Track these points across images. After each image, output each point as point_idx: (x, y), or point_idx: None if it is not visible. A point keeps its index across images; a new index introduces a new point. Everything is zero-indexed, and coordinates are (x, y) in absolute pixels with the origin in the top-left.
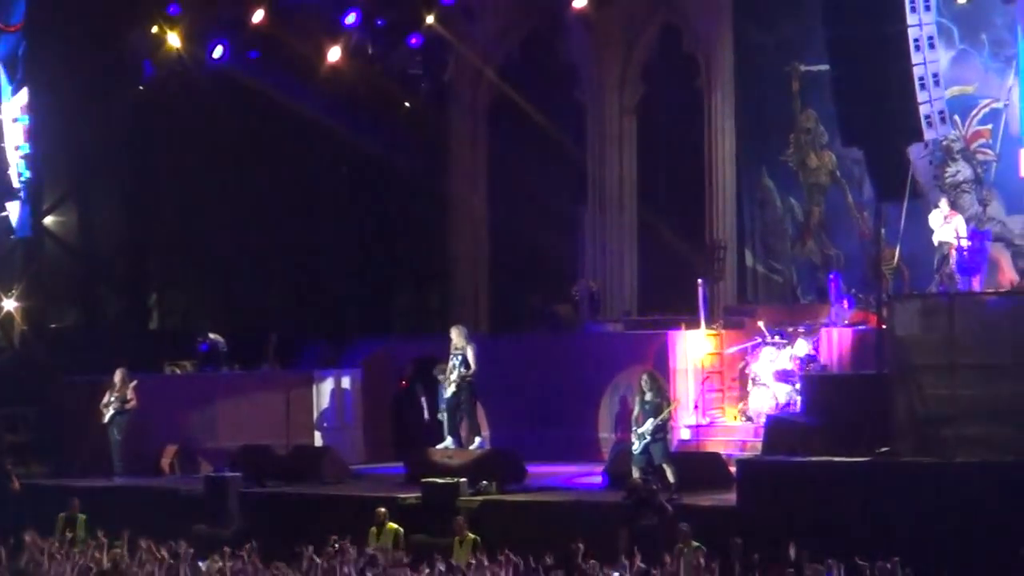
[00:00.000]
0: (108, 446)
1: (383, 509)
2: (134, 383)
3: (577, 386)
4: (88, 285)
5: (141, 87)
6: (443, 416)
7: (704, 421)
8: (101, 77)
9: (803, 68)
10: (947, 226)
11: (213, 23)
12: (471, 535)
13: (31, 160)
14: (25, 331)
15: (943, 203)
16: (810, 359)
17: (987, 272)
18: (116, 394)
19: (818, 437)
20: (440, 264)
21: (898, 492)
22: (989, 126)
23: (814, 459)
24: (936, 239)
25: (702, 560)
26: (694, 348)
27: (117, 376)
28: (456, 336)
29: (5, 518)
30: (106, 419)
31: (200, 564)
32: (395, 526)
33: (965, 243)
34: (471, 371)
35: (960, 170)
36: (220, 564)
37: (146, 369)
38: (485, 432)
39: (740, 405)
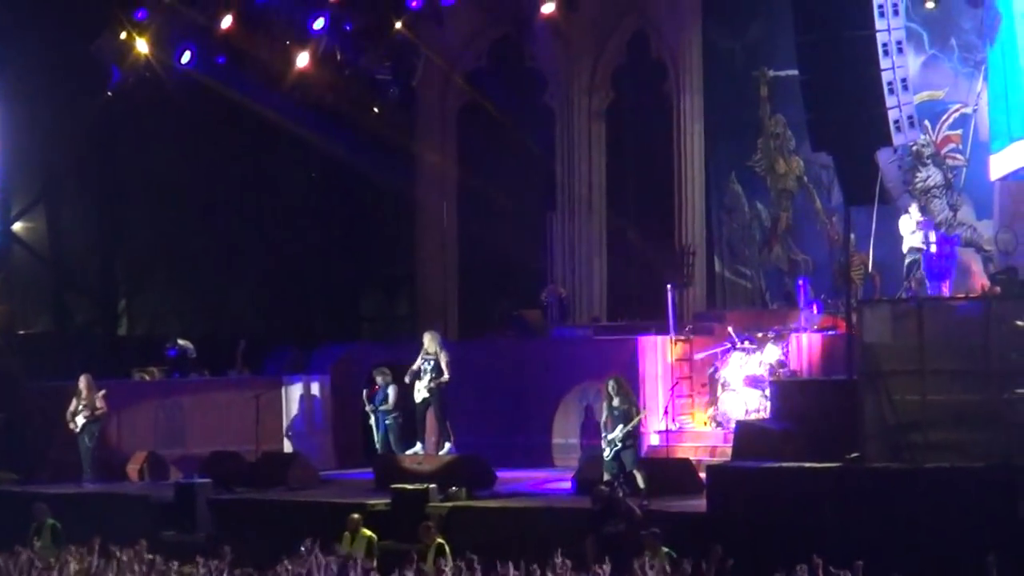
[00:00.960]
0: (77, 453)
1: (357, 515)
2: (102, 392)
3: (546, 392)
4: (57, 291)
5: (109, 93)
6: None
7: (674, 427)
8: (69, 83)
9: (771, 73)
10: (917, 233)
11: (181, 29)
12: (439, 539)
13: None
14: None
15: (913, 208)
16: (780, 364)
17: (957, 277)
18: (84, 402)
19: (788, 443)
20: (408, 269)
21: (867, 497)
22: (959, 131)
23: (784, 465)
24: (905, 245)
25: (669, 566)
26: (663, 354)
27: (82, 383)
28: (429, 341)
29: None
30: (78, 428)
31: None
32: (369, 532)
33: (933, 248)
34: (444, 377)
35: (931, 175)
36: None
37: (115, 375)
38: (453, 437)
39: (710, 411)
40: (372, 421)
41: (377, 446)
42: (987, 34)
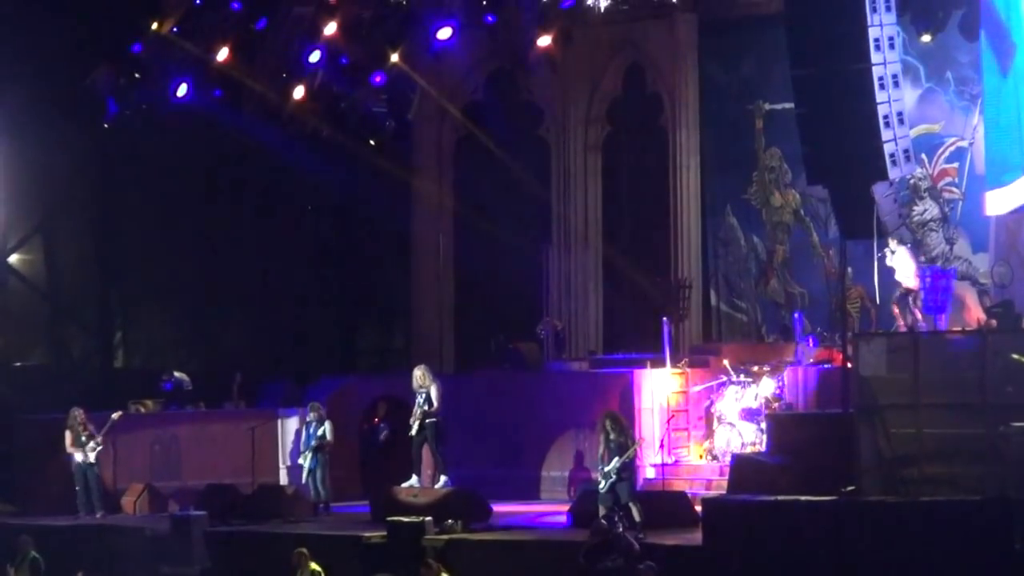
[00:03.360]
0: (72, 484)
1: (302, 550)
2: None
3: (542, 425)
4: (53, 323)
5: (105, 125)
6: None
7: (669, 460)
8: (65, 115)
9: (767, 106)
10: (903, 270)
11: (177, 62)
12: (445, 574)
13: None
14: None
15: (893, 244)
16: (775, 398)
17: (953, 310)
18: (85, 433)
19: (783, 476)
20: (404, 302)
21: (863, 531)
22: (955, 164)
23: (779, 498)
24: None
25: None
26: (659, 387)
27: (80, 415)
28: (420, 375)
29: None
30: (92, 458)
31: None
32: (316, 566)
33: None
34: (435, 409)
35: (927, 208)
36: None
37: (111, 408)
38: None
39: (705, 444)
40: (305, 456)
41: (305, 481)
42: (1000, 65)
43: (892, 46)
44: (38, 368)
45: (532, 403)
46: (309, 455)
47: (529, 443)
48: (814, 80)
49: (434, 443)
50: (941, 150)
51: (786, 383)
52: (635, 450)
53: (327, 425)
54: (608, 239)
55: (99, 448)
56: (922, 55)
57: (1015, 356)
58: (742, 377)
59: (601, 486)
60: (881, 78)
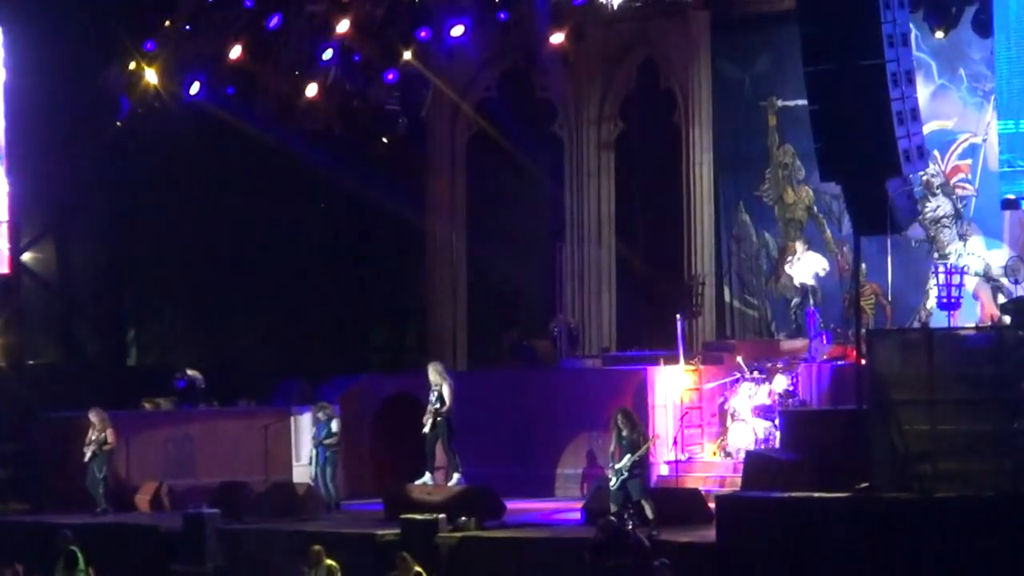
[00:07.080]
0: (87, 483)
1: (317, 547)
2: (110, 429)
3: (555, 422)
4: (66, 322)
5: (118, 123)
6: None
7: (683, 457)
8: (78, 113)
9: (780, 103)
10: (799, 266)
11: (190, 59)
12: (416, 568)
13: (9, 196)
14: (3, 368)
15: (799, 247)
16: (789, 394)
17: (966, 307)
18: (96, 434)
19: (797, 473)
20: (417, 300)
21: (877, 527)
22: (968, 161)
23: (793, 495)
24: (796, 280)
25: None
26: (673, 384)
27: (93, 416)
28: (432, 373)
29: None
30: (87, 457)
31: None
32: (331, 562)
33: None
34: (446, 407)
35: (940, 205)
36: None
37: (124, 406)
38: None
39: (719, 441)
40: (313, 454)
41: (312, 479)
42: (998, 64)
43: (905, 42)
44: (51, 366)
45: (546, 401)
46: (314, 453)
47: (543, 440)
48: (827, 76)
49: (447, 441)
50: (954, 146)
51: (800, 380)
52: (648, 447)
53: (334, 424)
54: (621, 236)
55: (103, 447)
56: (934, 52)
57: None
58: (756, 374)
59: (612, 483)
60: (894, 74)
